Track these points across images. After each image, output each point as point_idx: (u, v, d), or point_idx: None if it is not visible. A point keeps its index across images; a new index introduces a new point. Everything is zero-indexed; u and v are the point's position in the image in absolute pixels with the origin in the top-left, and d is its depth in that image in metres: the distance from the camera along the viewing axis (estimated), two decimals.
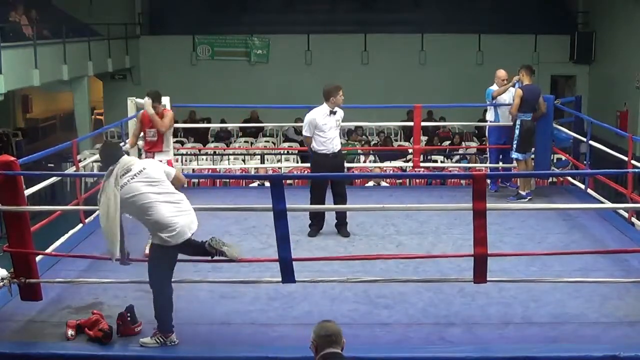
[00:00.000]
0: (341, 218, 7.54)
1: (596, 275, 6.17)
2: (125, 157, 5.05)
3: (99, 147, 5.51)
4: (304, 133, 7.67)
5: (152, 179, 4.93)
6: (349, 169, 10.35)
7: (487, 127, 9.78)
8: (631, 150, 8.08)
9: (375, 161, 14.34)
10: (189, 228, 4.96)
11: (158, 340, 5.03)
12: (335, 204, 7.48)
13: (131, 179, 4.90)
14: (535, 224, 7.76)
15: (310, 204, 7.43)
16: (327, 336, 3.68)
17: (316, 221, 7.52)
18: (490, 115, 9.63)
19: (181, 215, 4.94)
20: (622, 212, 7.91)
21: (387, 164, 13.46)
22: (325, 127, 7.42)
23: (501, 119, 9.44)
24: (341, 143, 7.92)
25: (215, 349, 5.05)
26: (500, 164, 9.68)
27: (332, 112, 7.45)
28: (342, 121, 7.69)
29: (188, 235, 4.95)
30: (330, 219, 7.58)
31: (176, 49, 21.52)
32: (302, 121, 7.73)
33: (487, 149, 10.22)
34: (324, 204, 7.46)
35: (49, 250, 6.44)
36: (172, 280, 5.12)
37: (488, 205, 5.15)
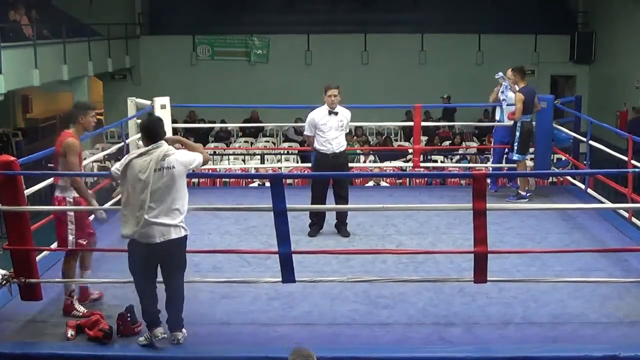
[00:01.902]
0: (341, 218, 7.53)
1: (596, 275, 6.17)
2: (165, 145, 5.00)
3: (141, 123, 5.25)
4: (304, 132, 7.69)
5: (166, 182, 4.88)
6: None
7: (495, 126, 9.80)
8: (631, 150, 8.08)
9: (375, 161, 14.33)
10: (144, 234, 4.86)
11: (146, 337, 5.05)
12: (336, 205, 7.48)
13: (155, 169, 4.87)
14: (535, 224, 7.76)
15: (311, 202, 7.43)
16: (302, 356, 3.83)
17: (316, 220, 7.52)
18: (498, 115, 9.63)
19: (144, 224, 4.83)
20: (622, 212, 7.91)
21: (387, 164, 13.44)
22: (325, 127, 7.39)
23: (505, 119, 9.43)
24: None
25: (215, 349, 5.05)
26: (505, 163, 9.67)
27: (333, 113, 7.41)
28: None
29: (134, 237, 4.87)
30: (330, 219, 7.58)
31: (176, 49, 21.53)
32: (302, 121, 7.74)
33: (492, 148, 10.23)
34: (324, 202, 7.45)
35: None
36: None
37: (488, 205, 5.15)
